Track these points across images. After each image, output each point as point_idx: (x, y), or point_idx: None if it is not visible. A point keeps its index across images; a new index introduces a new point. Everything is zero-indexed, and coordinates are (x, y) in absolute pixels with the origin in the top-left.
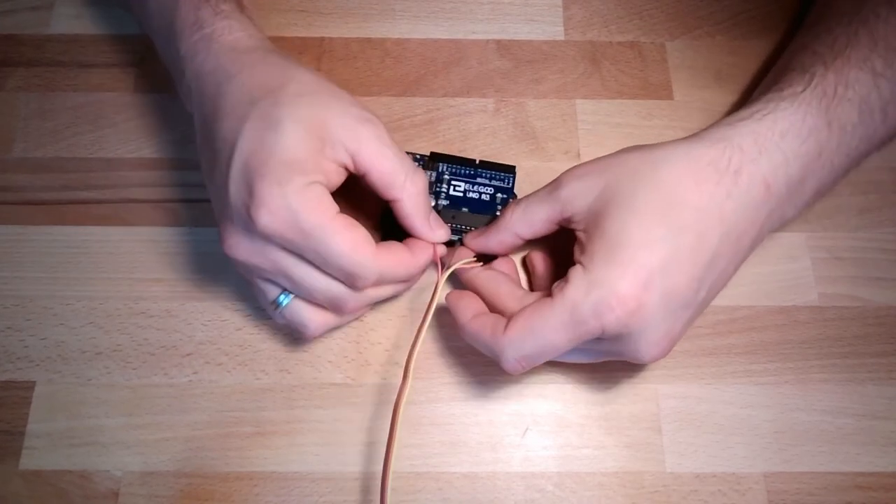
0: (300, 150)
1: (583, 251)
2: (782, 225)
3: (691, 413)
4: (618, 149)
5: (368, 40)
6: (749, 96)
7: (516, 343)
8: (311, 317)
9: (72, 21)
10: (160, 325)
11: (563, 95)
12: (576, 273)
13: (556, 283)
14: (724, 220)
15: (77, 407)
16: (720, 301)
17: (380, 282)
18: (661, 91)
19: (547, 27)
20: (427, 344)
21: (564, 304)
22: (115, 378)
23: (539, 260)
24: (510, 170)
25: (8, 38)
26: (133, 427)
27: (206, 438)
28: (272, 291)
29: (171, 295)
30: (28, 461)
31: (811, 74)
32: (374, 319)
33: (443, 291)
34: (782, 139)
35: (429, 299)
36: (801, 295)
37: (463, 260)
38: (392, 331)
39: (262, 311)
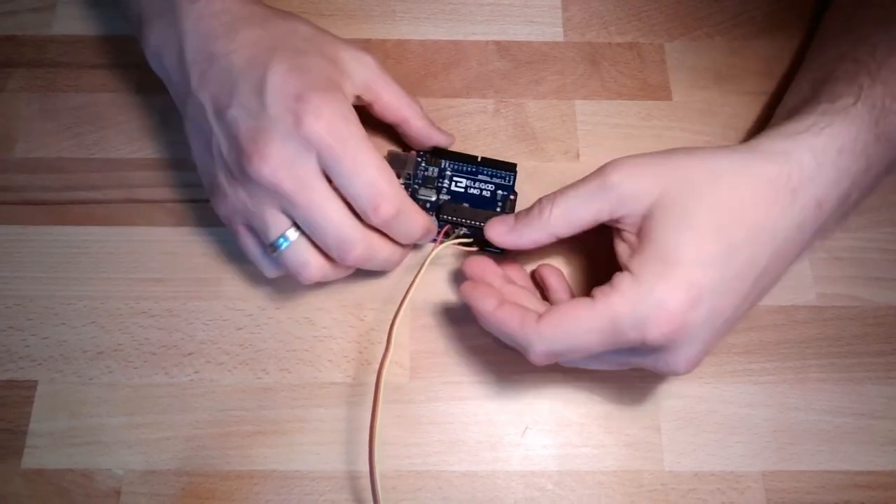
0: (333, 74)
1: (631, 257)
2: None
3: (690, 412)
4: (617, 149)
5: (369, 41)
6: (748, 97)
7: (547, 337)
8: (313, 259)
9: (74, 22)
10: (161, 324)
11: (563, 96)
12: (623, 281)
13: (599, 287)
14: (775, 239)
15: (79, 406)
16: None
17: (396, 218)
18: (661, 92)
19: (546, 28)
20: (427, 343)
21: (605, 311)
22: (117, 377)
23: (551, 274)
24: (511, 167)
25: (10, 39)
26: (134, 426)
27: (207, 437)
28: (279, 225)
29: (172, 294)
30: (30, 460)
31: (859, 86)
32: (373, 319)
33: (429, 270)
34: (839, 156)
35: (419, 271)
36: (800, 294)
37: (459, 240)
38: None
39: (264, 310)
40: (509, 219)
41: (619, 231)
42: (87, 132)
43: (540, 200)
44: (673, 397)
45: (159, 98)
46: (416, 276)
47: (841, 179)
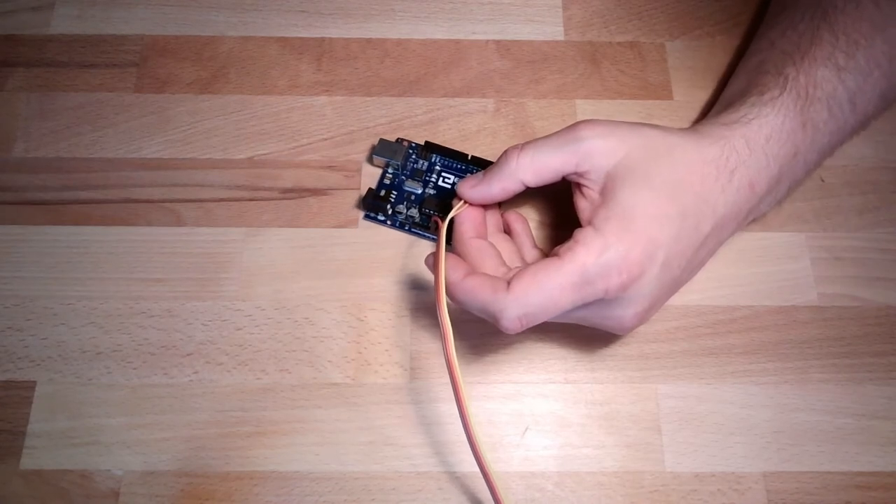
0: None
1: (594, 213)
2: (755, 221)
3: (691, 413)
4: None
5: (368, 41)
6: None
7: (521, 300)
8: None
9: (72, 21)
10: (160, 324)
11: (563, 96)
12: (587, 234)
13: (561, 246)
14: (716, 213)
15: (78, 407)
16: (720, 301)
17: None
18: (661, 91)
19: (547, 28)
20: (427, 344)
21: (575, 264)
22: (116, 378)
23: (516, 221)
24: None
25: (8, 39)
26: (134, 427)
27: (206, 438)
28: None
29: (172, 295)
30: (29, 461)
31: (784, 77)
32: (374, 319)
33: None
34: (767, 143)
35: (435, 260)
36: (801, 295)
37: (459, 205)
38: (392, 331)
39: (263, 310)
40: (478, 174)
41: (580, 187)
42: (86, 132)
43: (507, 150)
44: (673, 398)
45: (158, 98)
46: (438, 258)
47: (770, 164)
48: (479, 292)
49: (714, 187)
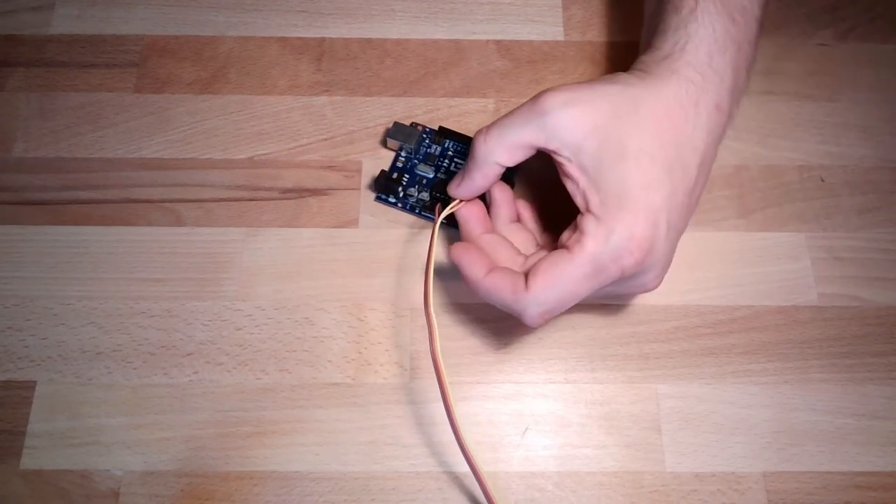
0: None
1: (588, 200)
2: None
3: (691, 413)
4: None
5: (368, 41)
6: (749, 97)
7: (540, 298)
8: None
9: (72, 21)
10: (160, 324)
11: None
12: (589, 223)
13: (566, 236)
14: (697, 150)
15: (78, 406)
16: (720, 301)
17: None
18: None
19: (547, 27)
20: (427, 344)
21: (584, 256)
22: (116, 378)
23: (523, 208)
24: None
25: (8, 39)
26: (134, 427)
27: (206, 438)
28: None
29: (172, 295)
30: (29, 461)
31: None
32: (374, 319)
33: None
34: (711, 60)
35: (427, 250)
36: (801, 295)
37: (454, 203)
38: (392, 331)
39: (263, 310)
40: (461, 170)
41: (559, 165)
42: (86, 132)
43: (475, 135)
44: (673, 398)
45: (158, 98)
46: (429, 255)
47: (724, 78)
48: (499, 292)
49: (686, 128)
